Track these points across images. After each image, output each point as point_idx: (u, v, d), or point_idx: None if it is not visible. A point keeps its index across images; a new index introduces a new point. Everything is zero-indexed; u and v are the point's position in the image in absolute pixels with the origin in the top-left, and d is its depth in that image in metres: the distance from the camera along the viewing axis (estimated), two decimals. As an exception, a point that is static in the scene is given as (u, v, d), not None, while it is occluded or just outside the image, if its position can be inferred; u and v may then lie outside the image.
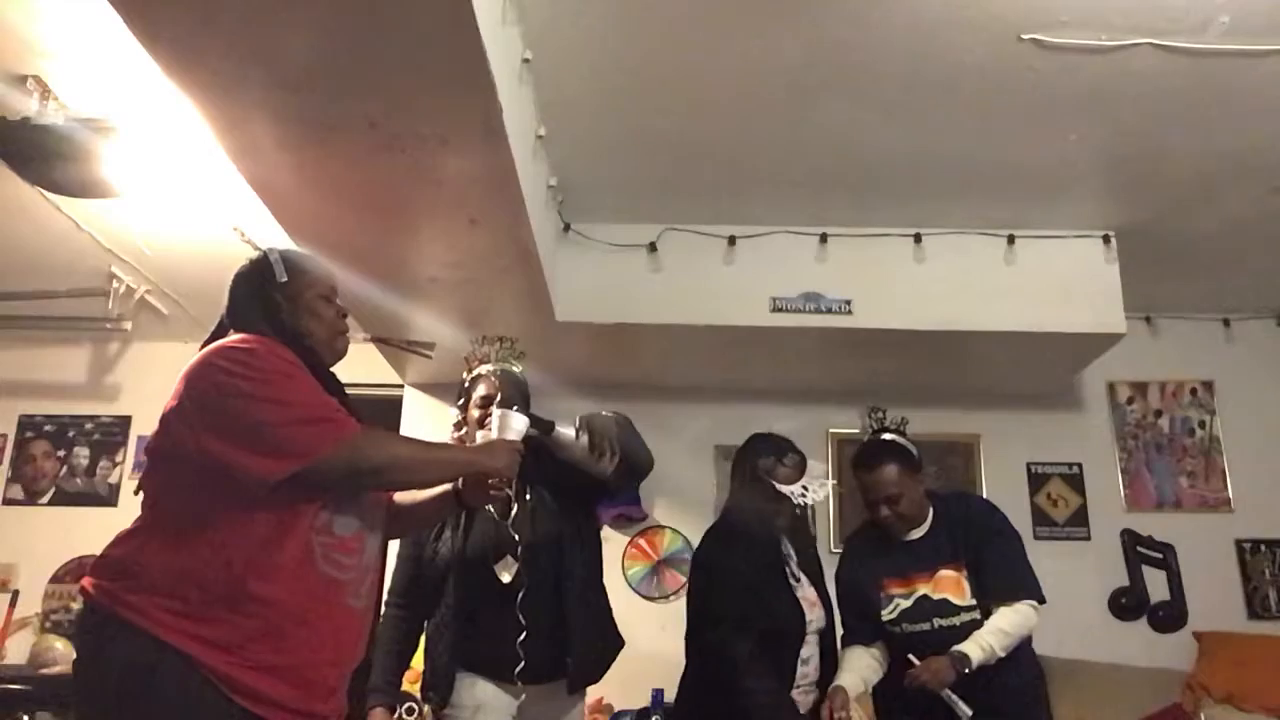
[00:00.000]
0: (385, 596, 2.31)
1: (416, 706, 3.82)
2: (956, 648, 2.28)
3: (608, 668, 2.41)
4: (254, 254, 1.90)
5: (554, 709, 2.33)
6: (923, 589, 2.40)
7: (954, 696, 2.24)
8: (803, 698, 2.40)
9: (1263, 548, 4.29)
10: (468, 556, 2.31)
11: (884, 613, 2.44)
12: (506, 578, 2.27)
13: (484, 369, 2.46)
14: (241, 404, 1.58)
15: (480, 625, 2.27)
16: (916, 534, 2.49)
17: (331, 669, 1.68)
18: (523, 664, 2.22)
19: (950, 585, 2.40)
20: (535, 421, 2.00)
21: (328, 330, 1.84)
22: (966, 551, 2.42)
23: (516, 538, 2.30)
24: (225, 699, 1.52)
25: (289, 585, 1.59)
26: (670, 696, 2.76)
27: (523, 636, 2.22)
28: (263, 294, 1.80)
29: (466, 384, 2.46)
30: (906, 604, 2.42)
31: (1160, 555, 4.25)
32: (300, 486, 1.59)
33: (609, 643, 2.43)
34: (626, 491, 2.45)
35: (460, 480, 1.96)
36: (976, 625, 2.33)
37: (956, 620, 2.36)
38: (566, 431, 2.08)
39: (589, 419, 2.10)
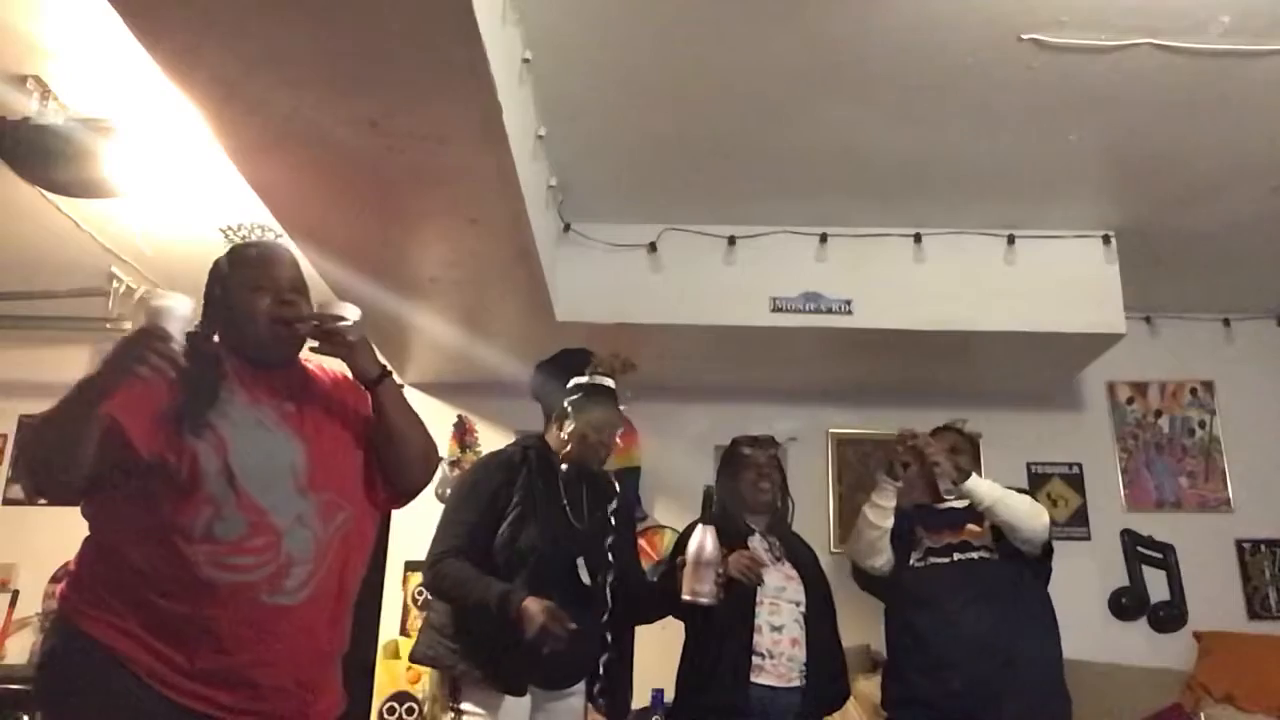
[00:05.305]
0: (434, 554, 2.27)
1: (417, 706, 3.83)
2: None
3: None
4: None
5: (567, 710, 2.38)
6: (948, 538, 2.72)
7: (942, 461, 2.69)
8: (774, 668, 2.51)
9: (1263, 548, 4.29)
10: (551, 554, 2.29)
11: (913, 554, 2.77)
12: (587, 580, 2.34)
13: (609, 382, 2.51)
14: None
15: None
16: (956, 504, 2.79)
17: (269, 669, 1.63)
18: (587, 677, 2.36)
19: (972, 534, 2.76)
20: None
21: (257, 323, 1.77)
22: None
23: (611, 560, 2.41)
24: (167, 702, 1.56)
25: (183, 596, 1.59)
26: (670, 697, 2.77)
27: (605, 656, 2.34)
28: (209, 287, 1.83)
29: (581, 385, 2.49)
30: (934, 545, 2.77)
31: (1160, 555, 4.24)
32: (132, 499, 1.61)
33: None
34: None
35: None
36: (991, 562, 2.67)
37: (974, 555, 2.69)
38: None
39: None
